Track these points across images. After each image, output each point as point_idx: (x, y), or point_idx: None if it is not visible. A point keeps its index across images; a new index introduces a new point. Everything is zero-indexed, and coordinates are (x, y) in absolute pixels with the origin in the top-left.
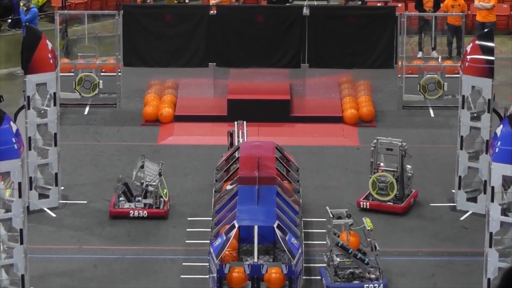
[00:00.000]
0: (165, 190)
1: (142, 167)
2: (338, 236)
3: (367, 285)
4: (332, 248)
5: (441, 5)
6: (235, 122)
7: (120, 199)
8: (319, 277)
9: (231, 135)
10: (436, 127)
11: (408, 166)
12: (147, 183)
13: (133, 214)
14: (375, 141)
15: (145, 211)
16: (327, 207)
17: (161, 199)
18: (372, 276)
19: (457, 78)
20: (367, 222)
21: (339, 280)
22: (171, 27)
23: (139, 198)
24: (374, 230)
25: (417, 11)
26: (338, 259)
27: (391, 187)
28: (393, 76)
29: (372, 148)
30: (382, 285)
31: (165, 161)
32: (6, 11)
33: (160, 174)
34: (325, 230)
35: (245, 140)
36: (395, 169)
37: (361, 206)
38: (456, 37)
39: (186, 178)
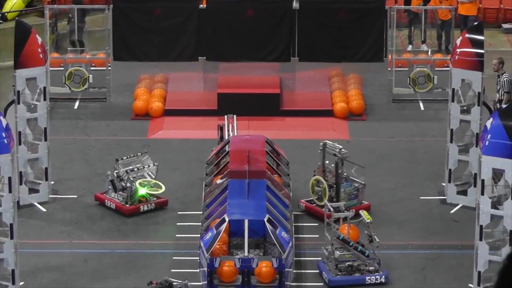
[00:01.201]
0: (154, 187)
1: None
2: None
3: (368, 277)
4: (333, 241)
5: None
6: (225, 116)
7: (109, 187)
8: (310, 271)
9: (221, 129)
10: (426, 120)
11: (357, 179)
12: (132, 178)
13: (108, 204)
14: (322, 144)
15: (113, 204)
16: (326, 201)
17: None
18: (371, 268)
19: (447, 71)
20: (365, 215)
21: (340, 273)
22: (161, 21)
23: (121, 192)
24: (364, 223)
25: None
26: (338, 253)
27: (324, 193)
28: (383, 70)
29: (319, 151)
30: (383, 276)
31: (155, 155)
32: None
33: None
34: (316, 224)
35: (235, 134)
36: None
37: (298, 206)
38: (445, 31)
39: (176, 172)
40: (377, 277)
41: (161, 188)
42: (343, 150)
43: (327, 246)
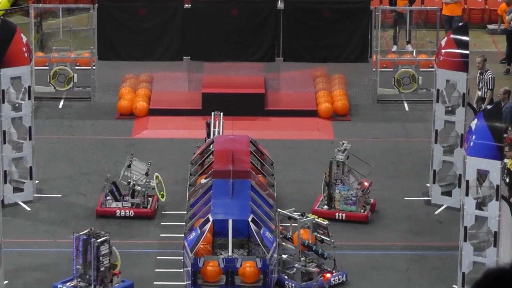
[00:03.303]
0: (162, 192)
1: (129, 166)
2: (289, 238)
3: (333, 279)
4: (297, 250)
5: None
6: (212, 113)
7: (107, 198)
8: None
9: (208, 125)
10: (410, 121)
11: (357, 187)
12: (134, 182)
13: (120, 214)
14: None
15: (131, 211)
16: (279, 210)
17: (149, 198)
18: (329, 269)
19: (431, 72)
20: (320, 219)
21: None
22: (145, 21)
23: (127, 198)
24: (348, 223)
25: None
26: (285, 257)
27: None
28: (367, 70)
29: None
30: (344, 275)
31: (140, 154)
32: None
33: (147, 174)
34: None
35: (221, 131)
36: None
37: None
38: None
39: (161, 171)
40: (339, 276)
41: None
42: (344, 152)
43: (288, 254)
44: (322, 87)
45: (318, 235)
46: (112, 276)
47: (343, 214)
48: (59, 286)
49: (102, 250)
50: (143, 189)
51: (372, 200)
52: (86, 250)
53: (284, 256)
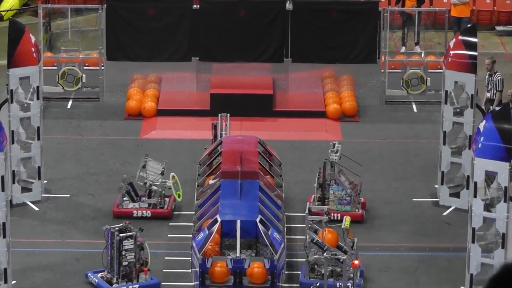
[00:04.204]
0: (178, 192)
1: (144, 166)
2: (318, 233)
3: (339, 284)
4: (307, 244)
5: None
6: (219, 115)
7: (124, 199)
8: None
9: (215, 127)
10: (419, 122)
11: (349, 187)
12: (150, 182)
13: (137, 214)
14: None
15: (148, 211)
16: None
17: (166, 199)
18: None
19: (440, 73)
20: (346, 221)
21: (314, 277)
22: (154, 21)
23: (144, 198)
24: (355, 225)
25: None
26: (315, 256)
27: None
28: (376, 71)
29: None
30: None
31: (148, 155)
32: None
33: (162, 174)
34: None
35: (228, 132)
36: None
37: None
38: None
39: (169, 172)
40: (348, 284)
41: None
42: (337, 153)
43: (305, 248)
44: (330, 88)
45: (344, 246)
46: (139, 272)
47: (338, 214)
48: (89, 274)
49: (126, 245)
50: (160, 189)
51: (362, 199)
52: (113, 244)
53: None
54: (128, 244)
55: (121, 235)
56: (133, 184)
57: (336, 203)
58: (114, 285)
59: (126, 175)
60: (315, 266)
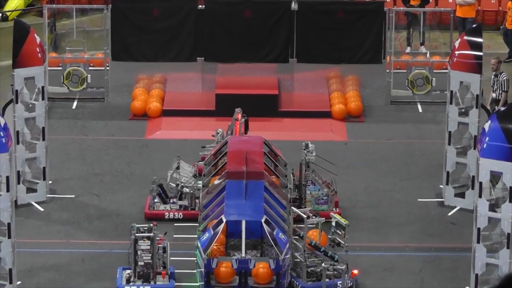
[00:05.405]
0: None
1: (178, 168)
2: (302, 236)
3: (340, 282)
4: (304, 248)
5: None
6: (235, 110)
7: (155, 200)
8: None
9: (219, 134)
10: (424, 123)
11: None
12: (182, 184)
13: (169, 216)
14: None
15: (180, 213)
16: (293, 207)
17: (197, 200)
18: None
19: (445, 74)
20: (340, 218)
21: (311, 280)
22: (159, 22)
23: (174, 200)
24: (361, 225)
25: (404, 6)
26: (309, 259)
27: None
28: (381, 71)
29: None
30: (354, 279)
31: (153, 155)
32: None
33: (195, 176)
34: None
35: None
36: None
37: None
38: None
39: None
40: (347, 281)
41: None
42: (312, 153)
43: (299, 253)
44: (335, 88)
45: (337, 238)
46: (157, 274)
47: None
48: (119, 269)
49: (142, 245)
50: (191, 191)
51: (335, 198)
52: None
53: (297, 254)
54: (144, 244)
55: (136, 234)
56: (162, 186)
57: (313, 203)
58: (127, 284)
59: (155, 177)
60: (312, 271)
